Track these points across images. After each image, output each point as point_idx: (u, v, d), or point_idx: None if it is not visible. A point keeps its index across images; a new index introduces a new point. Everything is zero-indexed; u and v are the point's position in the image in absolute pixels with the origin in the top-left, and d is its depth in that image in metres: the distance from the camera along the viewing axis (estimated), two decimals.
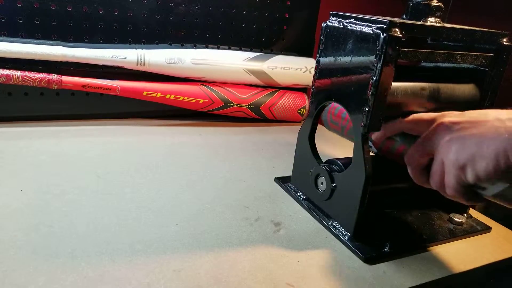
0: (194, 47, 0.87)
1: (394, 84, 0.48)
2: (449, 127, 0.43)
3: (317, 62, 0.55)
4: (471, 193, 0.43)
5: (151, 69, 0.80)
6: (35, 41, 0.73)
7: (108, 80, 0.76)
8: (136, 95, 0.79)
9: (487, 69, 0.54)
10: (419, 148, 0.46)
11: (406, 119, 0.50)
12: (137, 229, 0.48)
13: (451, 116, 0.44)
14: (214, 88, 0.85)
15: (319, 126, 0.58)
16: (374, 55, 0.45)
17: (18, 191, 0.53)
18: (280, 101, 0.91)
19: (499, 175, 0.38)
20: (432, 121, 0.46)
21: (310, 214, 0.56)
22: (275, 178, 0.65)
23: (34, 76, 0.71)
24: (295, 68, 0.91)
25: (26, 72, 0.71)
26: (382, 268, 0.47)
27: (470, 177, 0.40)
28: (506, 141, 0.37)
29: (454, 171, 0.41)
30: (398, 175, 0.57)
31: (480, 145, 0.39)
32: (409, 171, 0.48)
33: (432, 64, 0.60)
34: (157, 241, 0.46)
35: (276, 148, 0.79)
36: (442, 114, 0.46)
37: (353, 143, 0.50)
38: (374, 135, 0.54)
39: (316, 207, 0.56)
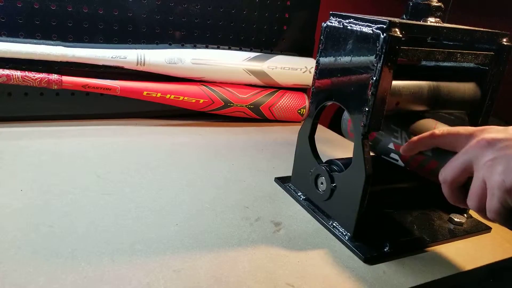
0: (194, 47, 0.87)
1: (394, 82, 0.48)
2: (492, 144, 0.40)
3: (317, 62, 0.55)
4: None
5: (151, 69, 0.80)
6: (35, 41, 0.73)
7: (108, 80, 0.76)
8: (136, 95, 0.79)
9: (487, 68, 0.54)
10: (456, 166, 0.43)
11: (440, 132, 0.47)
12: (137, 229, 0.48)
13: (493, 132, 0.41)
14: (214, 88, 0.85)
15: (319, 126, 0.58)
16: (374, 55, 0.45)
17: (18, 191, 0.53)
18: (280, 101, 0.91)
19: None
20: (470, 136, 0.43)
21: (310, 214, 0.56)
22: (275, 178, 0.65)
23: (34, 76, 0.71)
24: (295, 68, 0.91)
25: (26, 72, 0.71)
26: (382, 268, 0.47)
27: None
28: None
29: (499, 193, 0.38)
30: (398, 175, 0.58)
31: None
32: (443, 189, 0.45)
33: (432, 63, 0.60)
34: (157, 241, 0.46)
35: (276, 148, 0.79)
36: (482, 129, 0.43)
37: (353, 143, 0.50)
38: (403, 149, 0.50)
39: (316, 207, 0.56)
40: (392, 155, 0.54)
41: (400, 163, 0.54)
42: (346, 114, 0.60)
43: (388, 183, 0.57)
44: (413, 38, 0.54)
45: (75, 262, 0.42)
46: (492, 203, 0.39)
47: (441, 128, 0.47)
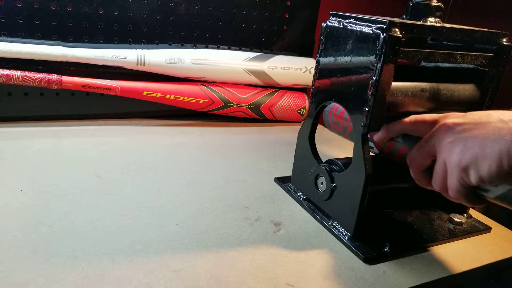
0: (194, 47, 0.87)
1: (394, 84, 0.48)
2: (451, 128, 0.43)
3: (317, 62, 0.55)
4: (474, 195, 0.42)
5: (151, 69, 0.80)
6: (35, 41, 0.73)
7: (108, 80, 0.76)
8: (136, 95, 0.79)
9: (487, 69, 0.54)
10: (421, 150, 0.46)
11: (408, 120, 0.49)
12: (137, 229, 0.48)
13: (453, 117, 0.44)
14: (214, 88, 0.85)
15: (319, 126, 0.58)
16: (374, 55, 0.45)
17: (18, 191, 0.53)
18: (280, 101, 0.91)
19: (502, 176, 0.38)
20: (434, 122, 0.46)
21: (310, 214, 0.56)
22: (275, 178, 0.65)
23: (34, 76, 0.71)
24: (295, 68, 0.91)
25: (26, 72, 0.71)
26: (382, 268, 0.47)
27: (473, 179, 0.40)
28: (509, 142, 0.37)
29: (456, 172, 0.41)
30: (398, 175, 0.58)
31: (483, 147, 0.39)
32: (411, 172, 0.48)
33: (432, 64, 0.60)
34: (157, 241, 0.46)
35: (276, 148, 0.79)
36: (444, 115, 0.45)
37: (353, 143, 0.50)
38: (376, 136, 0.53)
39: (316, 207, 0.56)
40: (370, 144, 0.56)
41: (375, 150, 0.57)
42: (328, 106, 0.61)
43: (388, 183, 0.57)
44: (413, 38, 0.54)
45: (75, 262, 0.42)
46: (452, 182, 0.42)
47: (410, 116, 0.50)
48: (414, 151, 0.47)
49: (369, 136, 0.54)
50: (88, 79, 0.75)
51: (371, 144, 0.56)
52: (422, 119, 0.48)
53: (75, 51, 0.74)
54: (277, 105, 0.91)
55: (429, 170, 0.46)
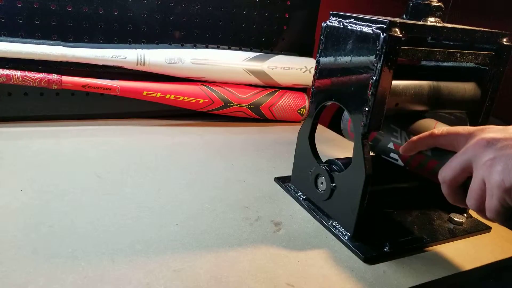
0: (194, 47, 0.87)
1: (394, 82, 0.48)
2: (491, 144, 0.40)
3: (317, 62, 0.55)
4: None
5: (151, 69, 0.80)
6: (35, 41, 0.73)
7: (108, 80, 0.76)
8: (136, 95, 0.79)
9: (487, 68, 0.54)
10: (456, 166, 0.43)
11: (439, 132, 0.47)
12: (137, 229, 0.48)
13: (492, 132, 0.41)
14: (214, 88, 0.85)
15: (319, 126, 0.58)
16: (374, 55, 0.45)
17: (18, 191, 0.53)
18: (280, 101, 0.91)
19: None
20: (469, 135, 0.43)
21: (310, 214, 0.56)
22: (275, 178, 0.65)
23: (34, 76, 0.71)
24: (295, 68, 0.91)
25: (26, 72, 0.71)
26: (382, 268, 0.47)
27: None
28: None
29: (498, 193, 0.38)
30: (398, 175, 0.58)
31: None
32: (443, 189, 0.45)
33: (432, 63, 0.60)
34: (157, 241, 0.46)
35: (276, 148, 0.79)
36: (481, 129, 0.43)
37: (353, 143, 0.50)
38: (402, 149, 0.50)
39: (316, 207, 0.56)
40: (392, 154, 0.54)
41: (400, 163, 0.54)
42: (346, 114, 0.60)
43: (388, 183, 0.57)
44: (413, 38, 0.54)
45: (75, 262, 0.42)
46: (491, 203, 0.39)
47: (440, 128, 0.47)
48: (447, 167, 0.44)
49: (393, 147, 0.53)
50: (88, 79, 0.75)
51: (395, 156, 0.54)
52: (456, 131, 0.45)
53: (75, 51, 0.74)
54: (277, 105, 0.91)
55: (463, 187, 0.43)
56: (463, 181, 0.43)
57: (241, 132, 0.86)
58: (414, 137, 0.49)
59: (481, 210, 0.41)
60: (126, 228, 0.48)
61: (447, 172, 0.44)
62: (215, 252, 0.46)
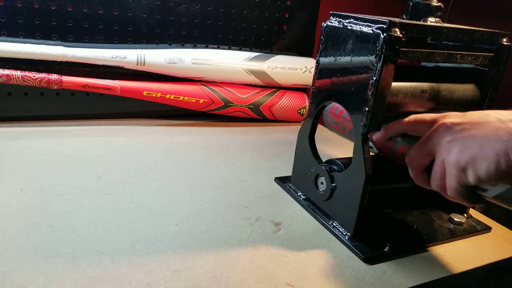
0: (194, 47, 0.87)
1: (394, 84, 0.48)
2: (450, 128, 0.43)
3: (317, 62, 0.55)
4: (472, 194, 0.43)
5: (151, 69, 0.80)
6: (35, 41, 0.73)
7: (108, 80, 0.76)
8: (136, 95, 0.79)
9: (487, 69, 0.54)
10: (420, 149, 0.46)
11: (407, 119, 0.50)
12: (137, 229, 0.48)
13: (452, 117, 0.44)
14: (214, 88, 0.85)
15: (319, 126, 0.58)
16: (374, 55, 0.45)
17: (18, 191, 0.53)
18: (280, 101, 0.91)
19: (500, 176, 0.38)
20: (433, 122, 0.46)
21: (310, 214, 0.56)
22: (275, 178, 0.65)
23: (34, 76, 0.71)
24: (295, 68, 0.91)
25: (26, 72, 0.71)
26: (382, 268, 0.47)
27: (471, 178, 0.40)
28: (507, 142, 0.37)
29: (455, 172, 0.41)
30: (398, 175, 0.57)
31: (481, 146, 0.39)
32: (410, 172, 0.48)
33: (432, 64, 0.60)
34: (157, 241, 0.46)
35: (276, 148, 0.79)
36: (443, 115, 0.45)
37: (353, 143, 0.50)
38: (375, 136, 0.54)
39: (316, 207, 0.56)
40: (370, 144, 0.56)
41: (375, 150, 0.57)
42: (328, 106, 0.60)
43: (388, 183, 0.57)
44: (413, 38, 0.54)
45: (75, 262, 0.42)
46: (450, 182, 0.42)
47: (409, 116, 0.50)
48: (413, 151, 0.47)
49: (369, 136, 0.54)
50: (88, 79, 0.75)
51: (370, 144, 0.56)
52: (421, 118, 0.48)
53: (75, 51, 0.74)
54: (277, 105, 0.91)
55: (428, 170, 0.46)
56: (428, 164, 0.46)
57: (241, 132, 0.86)
58: (386, 125, 0.51)
59: (443, 190, 0.44)
60: (126, 228, 0.48)
61: (413, 156, 0.47)
62: (215, 252, 0.46)
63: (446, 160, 0.42)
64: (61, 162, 0.63)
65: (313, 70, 0.69)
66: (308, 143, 0.57)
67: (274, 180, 0.65)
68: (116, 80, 0.77)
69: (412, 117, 0.49)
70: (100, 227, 0.48)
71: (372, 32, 0.46)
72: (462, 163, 0.40)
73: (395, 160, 0.54)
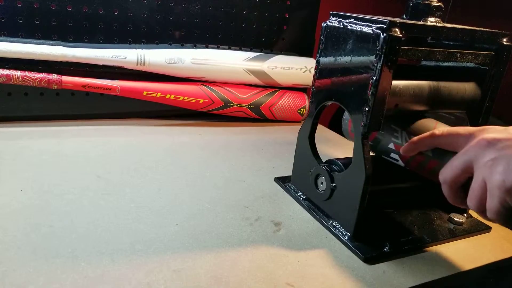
0: (194, 47, 0.87)
1: (394, 82, 0.48)
2: (492, 144, 0.39)
3: (317, 62, 0.55)
4: None
5: (151, 69, 0.80)
6: (35, 41, 0.73)
7: (108, 80, 0.76)
8: (136, 95, 0.79)
9: (487, 68, 0.54)
10: (456, 165, 0.42)
11: (440, 133, 0.47)
12: (137, 229, 0.48)
13: (492, 132, 0.41)
14: (214, 88, 0.85)
15: (319, 126, 0.58)
16: (374, 55, 0.45)
17: (18, 191, 0.53)
18: (280, 101, 0.91)
19: None
20: (469, 135, 0.43)
21: (310, 214, 0.56)
22: (275, 178, 0.65)
23: (34, 76, 0.71)
24: (295, 68, 0.91)
25: (26, 72, 0.71)
26: (382, 268, 0.47)
27: None
28: None
29: (499, 193, 0.38)
30: (398, 175, 0.57)
31: None
32: (444, 189, 0.45)
33: (432, 63, 0.60)
34: (157, 241, 0.46)
35: (276, 148, 0.79)
36: (481, 129, 0.43)
37: (353, 143, 0.50)
38: (403, 149, 0.50)
39: (316, 207, 0.56)
40: (392, 155, 0.54)
41: (400, 163, 0.54)
42: (346, 114, 0.60)
43: (388, 183, 0.57)
44: (413, 38, 0.54)
45: (75, 262, 0.42)
46: (492, 203, 0.39)
47: (441, 128, 0.47)
48: (448, 167, 0.43)
49: (393, 148, 0.53)
50: (88, 79, 0.75)
51: (395, 156, 0.54)
52: (456, 132, 0.45)
53: (75, 51, 0.74)
54: (277, 105, 0.91)
55: (463, 188, 0.43)
56: (464, 182, 0.43)
57: (241, 132, 0.86)
58: (415, 138, 0.49)
59: (481, 211, 0.41)
60: (126, 228, 0.48)
61: (447, 173, 0.43)
62: (215, 252, 0.46)
63: (489, 180, 0.39)
64: (61, 162, 0.63)
65: (313, 70, 0.69)
66: (308, 143, 0.57)
67: (274, 180, 0.65)
68: (116, 80, 0.77)
69: (446, 130, 0.46)
70: (100, 227, 0.48)
71: (372, 32, 0.46)
72: (509, 184, 0.37)
73: (424, 175, 0.51)
